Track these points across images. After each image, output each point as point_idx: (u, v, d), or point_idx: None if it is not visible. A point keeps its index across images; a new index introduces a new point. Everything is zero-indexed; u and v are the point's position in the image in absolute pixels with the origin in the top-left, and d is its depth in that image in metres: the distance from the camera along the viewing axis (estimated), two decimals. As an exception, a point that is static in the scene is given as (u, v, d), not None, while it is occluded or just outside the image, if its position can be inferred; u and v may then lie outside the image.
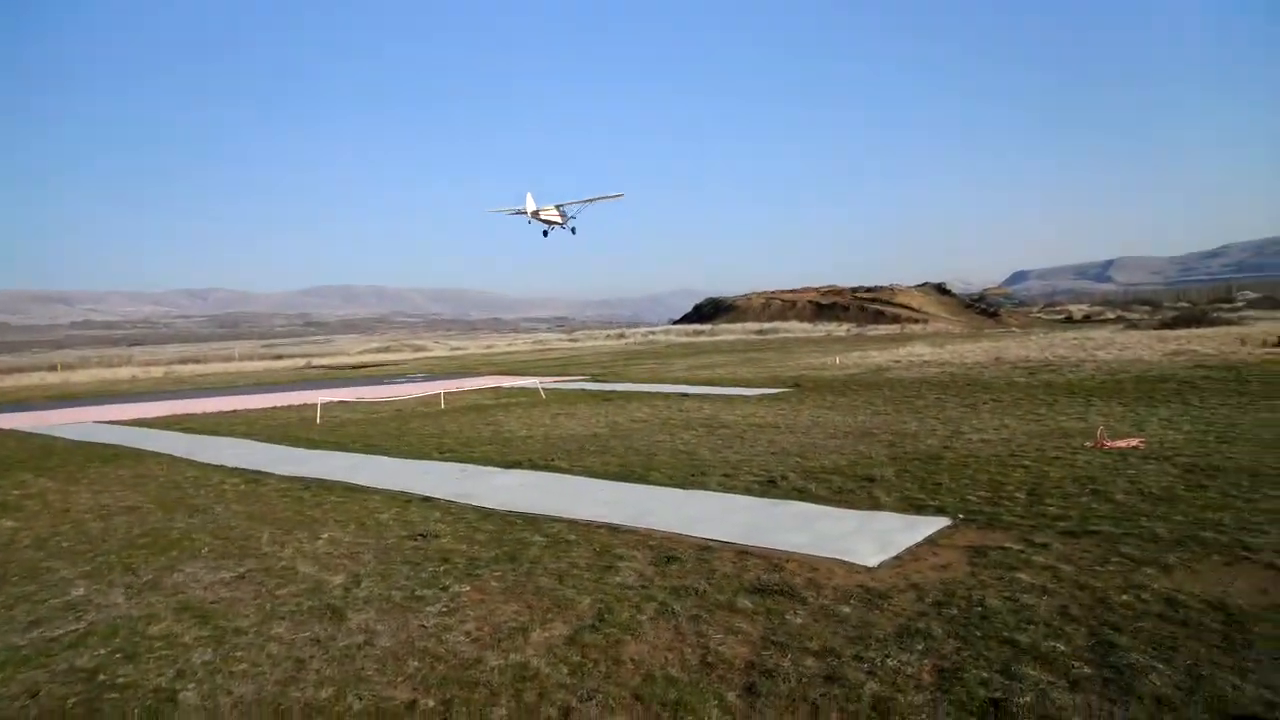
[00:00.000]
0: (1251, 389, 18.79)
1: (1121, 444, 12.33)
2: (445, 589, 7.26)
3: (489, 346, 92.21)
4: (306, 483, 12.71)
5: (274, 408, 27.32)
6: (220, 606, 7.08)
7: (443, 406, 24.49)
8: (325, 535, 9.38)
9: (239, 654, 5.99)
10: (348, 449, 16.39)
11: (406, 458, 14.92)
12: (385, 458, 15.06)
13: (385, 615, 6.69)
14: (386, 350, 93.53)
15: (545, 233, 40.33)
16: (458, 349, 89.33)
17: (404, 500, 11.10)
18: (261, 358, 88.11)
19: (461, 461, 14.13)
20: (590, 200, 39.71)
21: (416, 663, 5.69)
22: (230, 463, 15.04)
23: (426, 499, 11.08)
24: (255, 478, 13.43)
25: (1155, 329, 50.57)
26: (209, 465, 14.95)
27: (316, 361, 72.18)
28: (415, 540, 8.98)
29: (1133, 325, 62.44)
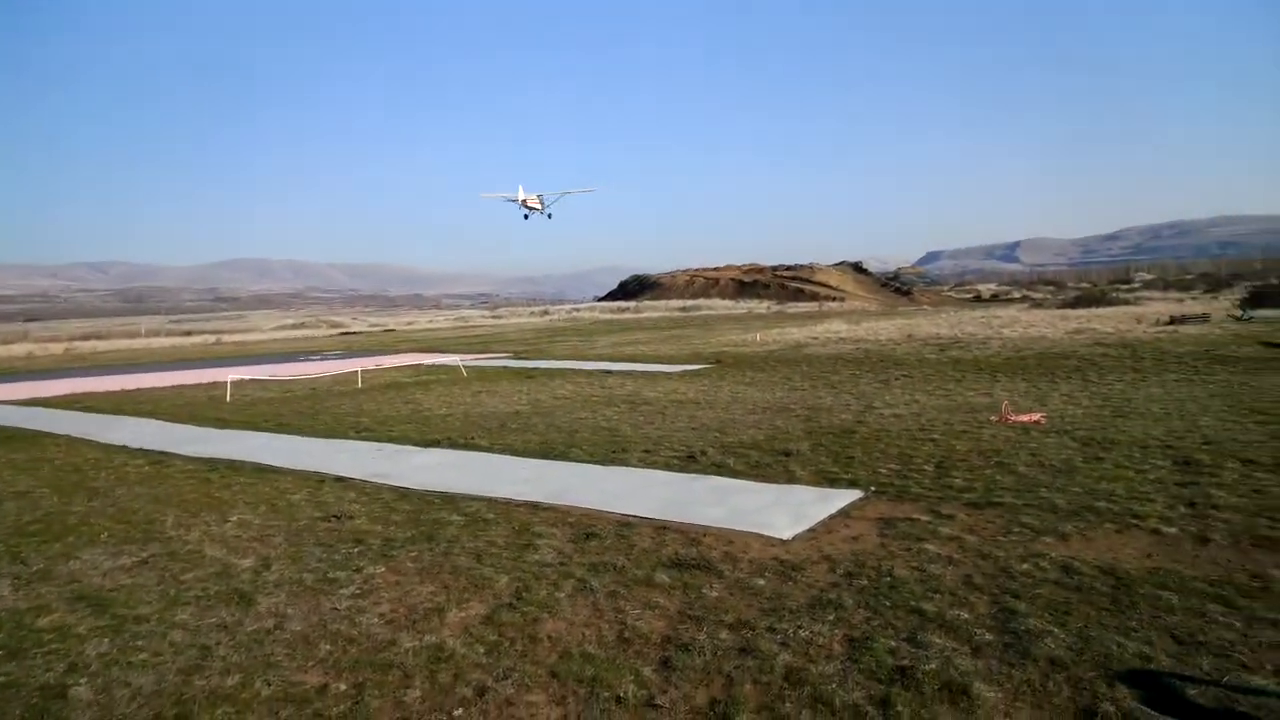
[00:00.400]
0: (1145, 365, 19.85)
1: (1024, 419, 12.89)
2: (359, 570, 7.12)
3: (409, 323, 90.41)
4: (215, 463, 12.27)
5: (182, 386, 26.28)
6: (120, 594, 6.78)
7: (360, 385, 23.94)
8: (234, 518, 9.09)
9: (139, 644, 5.74)
10: (259, 428, 15.89)
11: (321, 437, 14.54)
12: (298, 437, 14.65)
13: (296, 599, 6.52)
14: (302, 327, 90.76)
15: (525, 216, 48.11)
16: (377, 326, 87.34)
17: (317, 481, 10.82)
18: (169, 334, 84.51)
19: (378, 441, 13.85)
20: (566, 192, 48.53)
21: (328, 646, 5.57)
22: (134, 443, 14.41)
23: (341, 479, 10.83)
24: (160, 459, 12.90)
25: (1058, 308, 52.85)
26: (111, 446, 14.29)
27: (227, 338, 69.64)
28: (329, 521, 8.77)
29: (1037, 304, 65.15)
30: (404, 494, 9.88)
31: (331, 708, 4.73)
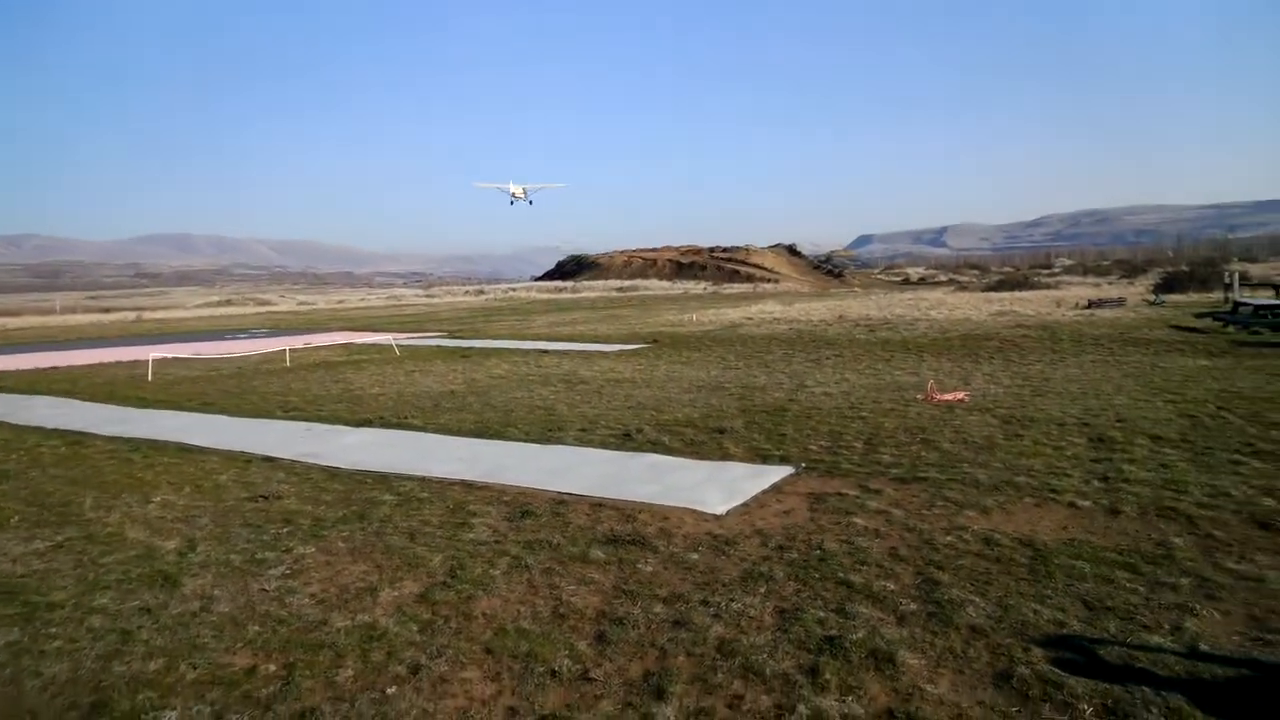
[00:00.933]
0: (1063, 347, 20.63)
1: (949, 397, 13.30)
2: (289, 551, 6.99)
3: (340, 302, 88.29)
4: (136, 444, 11.84)
5: (101, 364, 25.22)
6: (32, 580, 6.52)
7: (288, 364, 23.35)
8: (157, 499, 8.81)
9: (53, 630, 5.52)
10: (183, 408, 15.38)
11: (248, 417, 14.15)
12: (224, 417, 14.24)
13: (223, 580, 6.38)
14: (227, 304, 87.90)
15: (511, 201, 60.05)
16: (306, 304, 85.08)
17: (244, 461, 10.55)
18: (87, 311, 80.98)
19: (308, 420, 13.55)
20: (542, 186, 62.73)
21: (257, 627, 5.47)
22: (49, 424, 13.81)
23: (269, 459, 10.58)
24: (78, 439, 12.39)
25: (982, 291, 54.47)
26: (23, 427, 13.66)
27: (149, 315, 67.01)
28: (256, 502, 8.58)
29: (963, 287, 67.03)
30: (335, 474, 9.71)
31: (261, 689, 4.65)
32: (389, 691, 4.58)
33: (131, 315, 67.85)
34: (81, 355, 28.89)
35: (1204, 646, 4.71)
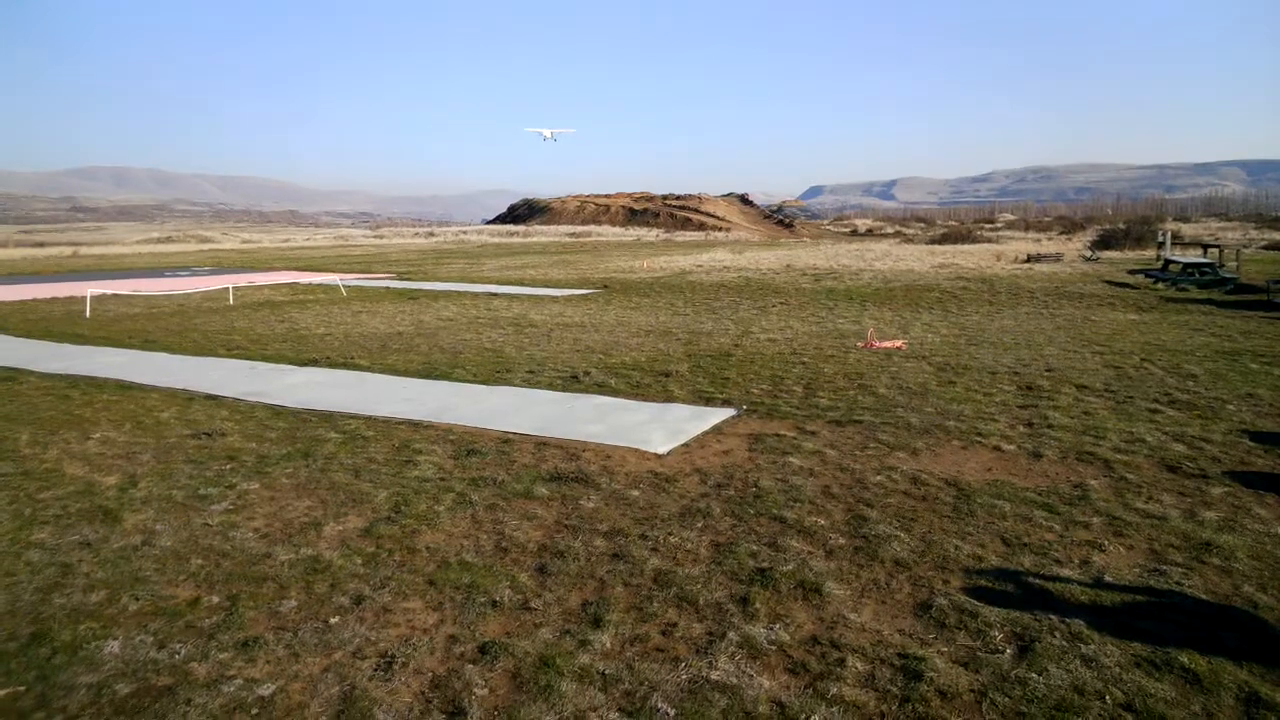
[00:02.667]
0: (1000, 299, 21.19)
1: (888, 345, 13.65)
2: (232, 487, 6.99)
3: (285, 241, 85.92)
4: (74, 380, 11.59)
5: (35, 300, 24.36)
6: (-35, 516, 6.44)
7: (231, 302, 22.84)
8: (97, 435, 8.68)
9: (-10, 563, 5.51)
10: (123, 345, 15.04)
11: (190, 355, 13.91)
12: (166, 354, 13.97)
13: (165, 515, 6.37)
14: (169, 241, 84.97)
15: (543, 140, 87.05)
16: (249, 242, 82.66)
17: (186, 398, 10.42)
18: (19, 245, 77.59)
19: (252, 359, 13.37)
20: (563, 130, 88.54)
21: (200, 560, 5.51)
22: (-23, 360, 13.39)
23: (212, 397, 10.47)
24: (11, 375, 12.07)
25: (927, 244, 55.23)
26: (-53, 363, 13.23)
27: (86, 251, 64.50)
28: (199, 439, 8.51)
29: (908, 240, 67.90)
30: (279, 412, 9.65)
31: (204, 619, 4.71)
32: (332, 621, 4.68)
33: (68, 250, 65.24)
34: (14, 291, 27.83)
35: (1108, 578, 5.05)
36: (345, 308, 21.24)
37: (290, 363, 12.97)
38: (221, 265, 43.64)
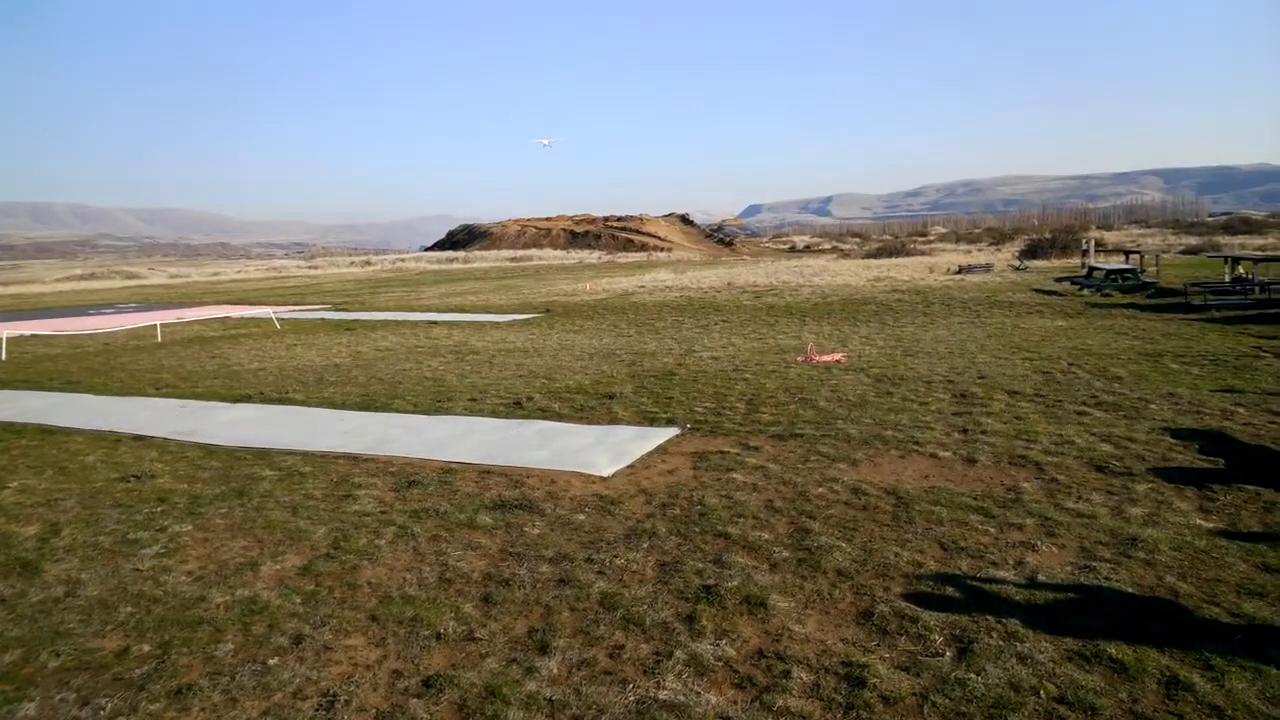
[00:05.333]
0: (934, 310, 21.75)
1: (827, 358, 13.89)
2: (163, 530, 6.76)
3: (215, 274, 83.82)
4: (-13, 428, 11.09)
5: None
6: None
7: (159, 339, 22.18)
8: (14, 484, 8.32)
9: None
10: (44, 388, 14.47)
11: (116, 395, 13.44)
12: (90, 395, 13.48)
13: (91, 563, 6.12)
14: (91, 278, 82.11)
15: (543, 146, 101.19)
16: (178, 276, 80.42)
17: (113, 440, 10.07)
18: (-75, 286, 74.15)
19: (182, 398, 12.98)
20: (557, 139, 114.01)
21: (129, 608, 5.31)
22: (-120, 410, 12.72)
23: (140, 438, 10.13)
24: (-84, 425, 11.49)
25: (863, 258, 56.44)
26: None
27: (1, 290, 61.97)
28: (128, 482, 8.22)
29: (845, 255, 69.28)
30: (212, 451, 9.38)
31: (133, 670, 4.54)
32: (271, 662, 4.55)
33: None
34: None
35: (1041, 577, 5.20)
36: (279, 341, 20.79)
37: (222, 399, 12.63)
38: (148, 301, 42.35)
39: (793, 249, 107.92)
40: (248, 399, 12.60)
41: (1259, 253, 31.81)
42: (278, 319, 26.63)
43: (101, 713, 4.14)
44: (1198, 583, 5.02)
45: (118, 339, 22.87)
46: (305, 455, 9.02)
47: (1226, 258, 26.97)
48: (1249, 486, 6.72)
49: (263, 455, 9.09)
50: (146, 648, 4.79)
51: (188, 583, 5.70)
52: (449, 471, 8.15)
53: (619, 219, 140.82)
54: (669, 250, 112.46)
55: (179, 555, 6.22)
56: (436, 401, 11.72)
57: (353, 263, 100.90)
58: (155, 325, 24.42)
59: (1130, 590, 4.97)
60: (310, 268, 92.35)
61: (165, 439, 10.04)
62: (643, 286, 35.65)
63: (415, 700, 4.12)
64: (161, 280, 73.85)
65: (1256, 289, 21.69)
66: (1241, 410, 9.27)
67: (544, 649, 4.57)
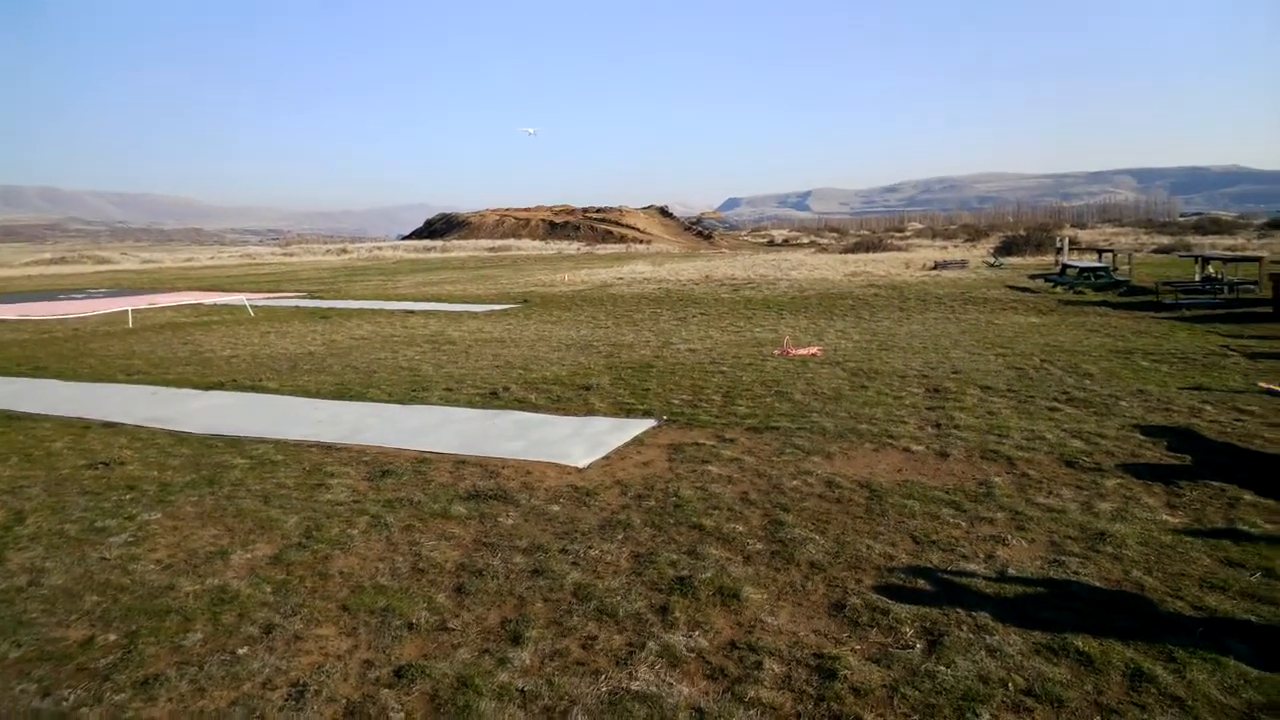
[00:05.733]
0: (909, 305, 21.89)
1: (803, 352, 13.95)
2: (132, 518, 6.67)
3: (188, 260, 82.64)
4: (-51, 413, 10.88)
5: (-97, 328, 22.80)
6: None
7: (131, 325, 21.85)
8: (-24, 471, 8.17)
9: None
10: (10, 374, 14.20)
11: (86, 381, 13.22)
12: (58, 381, 13.25)
13: (56, 551, 6.03)
14: (61, 263, 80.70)
15: (528, 135, 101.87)
16: (150, 262, 79.23)
17: (81, 427, 9.91)
18: (-113, 269, 72.51)
19: (153, 384, 12.79)
20: (540, 129, 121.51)
21: (96, 597, 5.23)
22: None
23: (110, 424, 9.98)
24: (-124, 410, 11.25)
25: (840, 253, 56.60)
26: None
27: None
28: (95, 469, 8.10)
29: (822, 249, 69.54)
30: (182, 438, 9.27)
31: (98, 659, 4.47)
32: (240, 652, 4.51)
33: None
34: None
35: (1011, 570, 5.26)
36: (253, 328, 20.55)
37: (194, 387, 12.47)
38: (120, 286, 41.69)
39: (771, 243, 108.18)
40: (220, 386, 12.45)
41: (1229, 253, 32.30)
42: (251, 306, 26.32)
43: (64, 703, 4.07)
44: (1163, 577, 5.10)
45: (88, 324, 22.50)
46: (278, 443, 8.93)
47: (1197, 257, 27.34)
48: (1214, 483, 6.84)
49: (234, 443, 8.99)
50: (112, 637, 4.72)
51: (156, 571, 5.63)
52: (423, 461, 8.11)
53: (598, 210, 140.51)
54: (648, 242, 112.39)
55: (148, 543, 6.14)
56: (412, 391, 11.64)
57: (329, 250, 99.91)
58: (127, 311, 24.05)
59: (1098, 584, 5.04)
60: (285, 255, 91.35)
61: (135, 426, 9.90)
62: (621, 278, 35.60)
63: (386, 690, 4.10)
64: (133, 265, 72.74)
65: (1226, 289, 22.02)
66: (1209, 408, 9.42)
67: (517, 639, 4.56)
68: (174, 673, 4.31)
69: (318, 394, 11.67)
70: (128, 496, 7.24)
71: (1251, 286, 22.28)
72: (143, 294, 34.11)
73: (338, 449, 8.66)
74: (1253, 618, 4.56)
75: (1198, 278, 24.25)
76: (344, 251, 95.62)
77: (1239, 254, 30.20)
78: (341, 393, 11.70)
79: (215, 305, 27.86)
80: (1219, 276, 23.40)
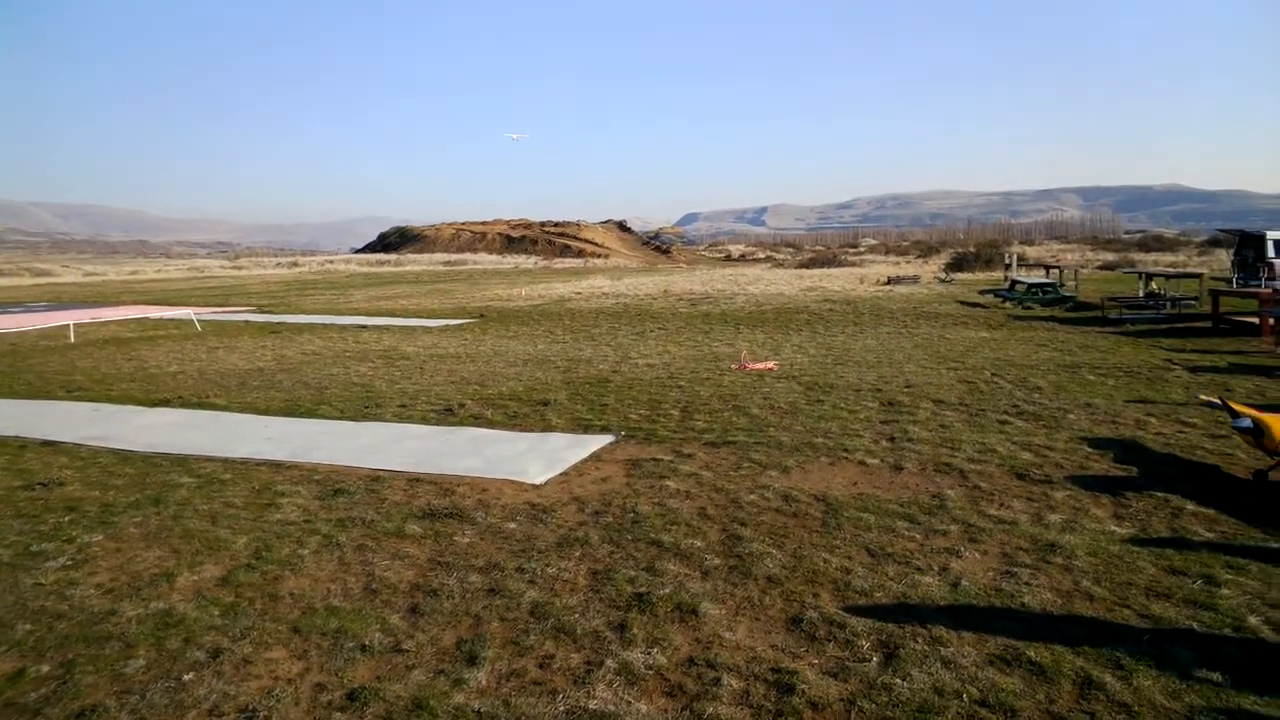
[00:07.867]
0: (864, 320, 22.20)
1: (760, 366, 14.06)
2: (71, 541, 6.44)
3: (133, 273, 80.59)
4: (-124, 433, 10.43)
5: None
6: None
7: (72, 340, 21.21)
8: (-96, 493, 7.83)
9: None
10: (-62, 392, 13.67)
11: (23, 399, 12.79)
12: (-8, 400, 12.79)
13: (-12, 577, 5.80)
14: (-4, 275, 78.11)
15: (513, 140, 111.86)
16: (93, 275, 77.08)
17: (18, 446, 9.57)
18: None
19: (95, 401, 12.42)
20: (524, 135, 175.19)
21: (29, 626, 5.02)
22: None
23: (49, 443, 9.65)
24: None
25: (796, 268, 57.24)
26: None
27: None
28: (33, 490, 7.82)
29: (779, 264, 70.25)
30: (126, 457, 8.99)
31: (29, 693, 4.27)
32: (186, 678, 4.36)
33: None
34: None
35: (965, 582, 5.32)
36: (200, 343, 20.09)
37: (139, 403, 12.13)
38: (61, 300, 40.48)
39: (728, 257, 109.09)
40: (166, 403, 12.12)
41: (1171, 269, 33.37)
42: (199, 320, 25.75)
43: (-6, 738, 3.91)
44: (1111, 586, 5.21)
45: (26, 339, 21.79)
46: (226, 462, 8.71)
47: (1141, 274, 28.19)
48: (1159, 493, 7.01)
49: (181, 462, 8.75)
50: (46, 668, 4.53)
51: (96, 596, 5.44)
52: (376, 479, 7.97)
53: (556, 224, 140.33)
54: (606, 257, 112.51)
55: (87, 567, 5.93)
56: (364, 407, 11.46)
57: (279, 264, 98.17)
58: (68, 325, 23.35)
59: (1049, 594, 5.12)
60: (234, 268, 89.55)
61: (76, 444, 9.59)
62: (579, 293, 35.56)
63: (339, 714, 4.00)
64: (75, 278, 70.68)
65: (1168, 304, 22.73)
66: (1153, 420, 9.68)
67: (472, 660, 4.49)
68: (113, 703, 4.16)
69: (267, 411, 11.42)
70: (67, 518, 6.99)
71: (1192, 302, 23.03)
72: (85, 308, 33.15)
73: (288, 467, 8.47)
74: (1194, 625, 4.67)
75: (1141, 294, 24.98)
76: (295, 265, 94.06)
77: (1180, 270, 31.21)
78: (292, 409, 11.47)
79: (161, 320, 27.19)
80: (1162, 292, 24.13)
